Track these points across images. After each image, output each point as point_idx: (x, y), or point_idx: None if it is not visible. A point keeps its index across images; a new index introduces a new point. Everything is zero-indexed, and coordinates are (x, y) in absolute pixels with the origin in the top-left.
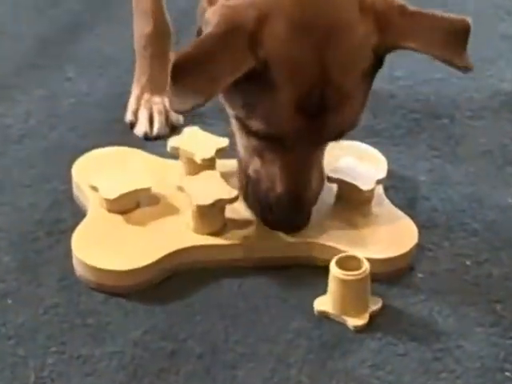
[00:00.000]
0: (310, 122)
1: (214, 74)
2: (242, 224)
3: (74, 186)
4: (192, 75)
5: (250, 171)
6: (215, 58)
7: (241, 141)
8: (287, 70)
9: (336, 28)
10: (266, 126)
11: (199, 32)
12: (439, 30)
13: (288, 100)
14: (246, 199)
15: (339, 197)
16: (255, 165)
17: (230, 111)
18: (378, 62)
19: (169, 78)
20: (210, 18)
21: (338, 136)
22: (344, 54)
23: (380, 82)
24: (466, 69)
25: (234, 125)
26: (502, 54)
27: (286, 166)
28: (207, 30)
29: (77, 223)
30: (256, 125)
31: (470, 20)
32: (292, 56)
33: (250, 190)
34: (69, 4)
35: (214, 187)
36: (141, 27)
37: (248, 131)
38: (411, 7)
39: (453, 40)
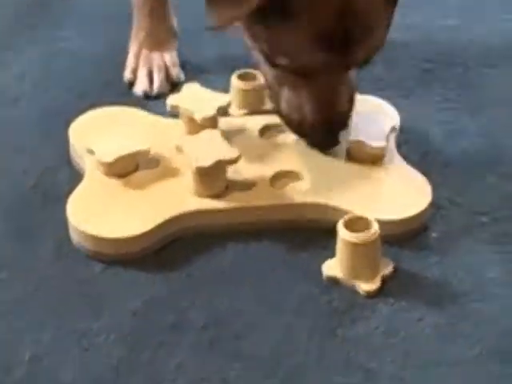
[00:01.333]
0: (334, 54)
1: None
2: (244, 185)
3: (70, 148)
4: None
5: (282, 101)
6: None
7: (268, 72)
8: (311, 4)
9: None
10: (290, 60)
11: None
12: None
13: (311, 33)
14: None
15: (348, 154)
16: (285, 95)
17: (253, 45)
18: None
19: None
20: None
21: (364, 63)
22: None
23: (391, 30)
24: None
25: (259, 58)
26: None
27: (313, 95)
28: None
29: (74, 189)
30: (280, 59)
31: None
32: None
33: (285, 119)
34: None
35: (214, 147)
36: None
37: (273, 64)
38: None
39: None
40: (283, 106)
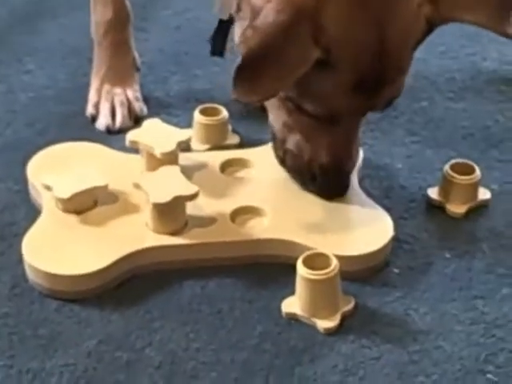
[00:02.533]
0: (366, 98)
1: (280, 72)
2: (204, 221)
3: (29, 185)
4: (258, 72)
5: (289, 145)
6: (281, 52)
7: (279, 117)
8: (349, 53)
9: (391, 1)
10: (320, 106)
11: (230, 20)
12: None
13: (348, 81)
14: (289, 171)
15: None
16: (294, 138)
17: None
18: (429, 32)
19: (234, 75)
20: (263, 5)
21: (388, 105)
22: (400, 27)
23: None
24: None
25: (273, 103)
26: (483, 31)
27: (332, 138)
28: (262, 17)
29: (31, 226)
30: (308, 105)
31: None
32: (353, 39)
33: (290, 163)
34: None
35: (172, 183)
36: (100, 13)
37: (296, 108)
38: None
39: (500, 9)
40: (291, 148)
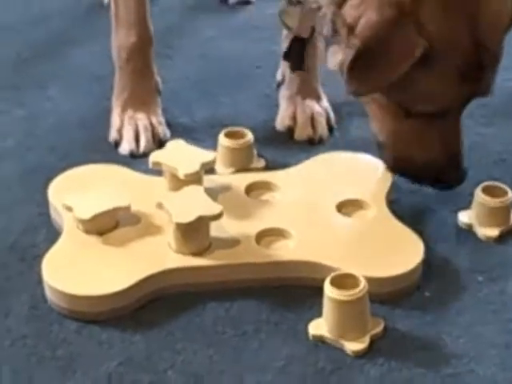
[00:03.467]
0: (470, 85)
1: (388, 65)
2: (229, 243)
3: (50, 208)
4: (369, 65)
5: (400, 152)
6: (388, 45)
7: (386, 124)
8: (449, 43)
9: None
10: (430, 103)
11: (334, 30)
12: None
13: (452, 71)
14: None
15: (338, 209)
16: (405, 144)
17: (382, 100)
18: None
19: (347, 68)
20: (358, 17)
21: (489, 92)
22: (493, 13)
23: None
24: None
25: (375, 110)
26: None
27: (443, 135)
28: (362, 22)
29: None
30: (421, 105)
31: None
32: (450, 29)
33: (402, 169)
34: (52, 22)
35: (196, 203)
36: (122, 38)
37: (405, 113)
38: None
39: None
40: (402, 159)
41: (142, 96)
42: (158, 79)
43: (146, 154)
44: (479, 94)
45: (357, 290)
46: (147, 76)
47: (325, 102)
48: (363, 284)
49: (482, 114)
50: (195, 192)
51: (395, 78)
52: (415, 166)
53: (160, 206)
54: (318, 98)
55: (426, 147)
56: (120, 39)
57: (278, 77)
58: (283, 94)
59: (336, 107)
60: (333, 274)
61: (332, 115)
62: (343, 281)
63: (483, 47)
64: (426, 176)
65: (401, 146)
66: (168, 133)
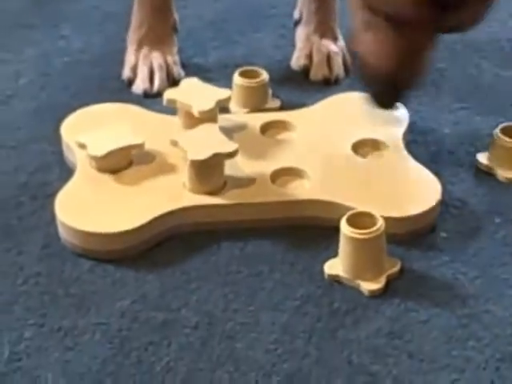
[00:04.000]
0: (429, 10)
1: None
2: (244, 182)
3: (63, 146)
4: None
5: (360, 47)
6: None
7: (357, 15)
8: None
9: None
10: (385, 2)
11: None
12: None
13: None
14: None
15: (354, 149)
16: (365, 39)
17: None
18: None
19: None
20: None
21: (458, 31)
22: None
23: None
24: None
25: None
26: None
27: (397, 45)
28: None
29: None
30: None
31: None
32: None
33: (357, 64)
34: None
35: (211, 141)
36: None
37: (367, 5)
38: None
39: None
40: (359, 49)
41: (159, 33)
42: (176, 17)
43: (159, 94)
44: (446, 28)
45: (374, 229)
46: (166, 13)
47: (342, 42)
48: (380, 222)
49: (499, 56)
50: (210, 130)
51: None
52: (367, 68)
53: (175, 143)
54: (335, 38)
55: (378, 53)
56: None
57: (296, 15)
58: (300, 32)
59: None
60: (350, 213)
61: (348, 56)
62: (360, 219)
63: None
64: (371, 83)
65: (360, 42)
66: (182, 73)
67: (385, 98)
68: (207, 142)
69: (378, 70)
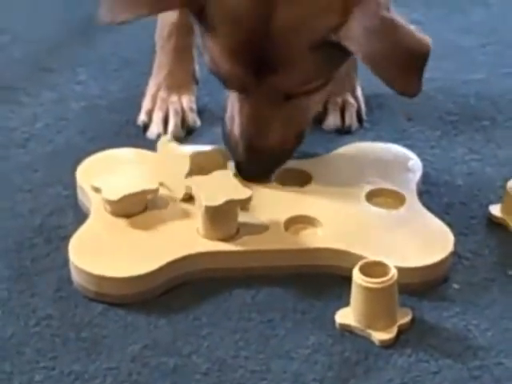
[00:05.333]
0: (250, 74)
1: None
2: (256, 229)
3: (78, 189)
4: None
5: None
6: None
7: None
8: (227, 15)
9: None
10: (211, 65)
11: None
12: (395, 48)
13: (225, 44)
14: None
15: (368, 199)
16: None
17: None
18: (339, 47)
19: None
20: None
21: (292, 95)
22: (295, 14)
23: None
24: (403, 94)
25: None
26: None
27: (242, 111)
28: None
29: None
30: (207, 61)
31: (429, 44)
32: (233, 4)
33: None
34: (84, 8)
35: (225, 187)
36: (166, 16)
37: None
38: (391, 12)
39: (403, 62)
40: (225, 119)
41: (178, 78)
42: (197, 67)
43: (173, 140)
44: (263, 93)
45: (386, 278)
46: (186, 58)
47: (359, 93)
48: (393, 272)
49: None
50: (224, 176)
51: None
52: (228, 135)
53: (189, 189)
54: (352, 89)
55: (232, 117)
56: (163, 17)
57: None
58: None
59: (366, 99)
60: (362, 262)
61: (363, 106)
62: (372, 269)
63: (270, 44)
64: (231, 150)
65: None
66: (198, 121)
67: (246, 167)
68: (221, 188)
69: (233, 136)
